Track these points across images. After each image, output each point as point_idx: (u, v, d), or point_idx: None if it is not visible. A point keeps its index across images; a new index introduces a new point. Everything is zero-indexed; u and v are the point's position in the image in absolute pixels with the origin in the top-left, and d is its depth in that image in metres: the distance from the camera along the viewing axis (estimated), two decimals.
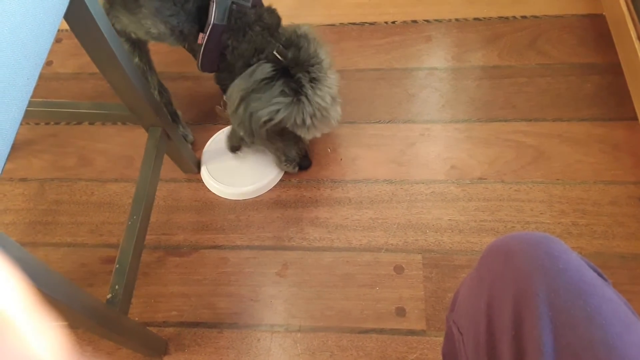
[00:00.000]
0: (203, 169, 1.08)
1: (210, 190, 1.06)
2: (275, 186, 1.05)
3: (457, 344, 0.46)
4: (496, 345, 0.39)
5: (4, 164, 0.47)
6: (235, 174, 1.06)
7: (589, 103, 1.08)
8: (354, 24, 1.27)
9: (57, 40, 1.32)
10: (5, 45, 0.45)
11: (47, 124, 1.19)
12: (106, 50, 0.70)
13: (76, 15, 0.63)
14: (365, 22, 1.27)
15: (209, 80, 1.04)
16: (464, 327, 0.44)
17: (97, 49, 0.70)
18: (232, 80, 0.88)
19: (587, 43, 1.17)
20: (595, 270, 0.41)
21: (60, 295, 0.59)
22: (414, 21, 1.26)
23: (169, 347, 0.90)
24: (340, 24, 1.27)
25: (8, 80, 0.45)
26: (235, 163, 1.08)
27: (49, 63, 1.27)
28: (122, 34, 0.93)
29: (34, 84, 0.50)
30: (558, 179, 1.00)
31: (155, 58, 1.03)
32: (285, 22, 1.20)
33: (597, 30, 1.18)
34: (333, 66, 0.92)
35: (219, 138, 1.12)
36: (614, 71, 1.12)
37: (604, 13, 1.21)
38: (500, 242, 0.43)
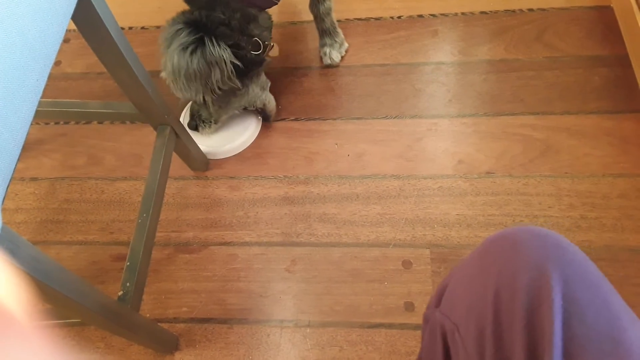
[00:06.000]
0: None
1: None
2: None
3: (448, 335, 0.45)
4: (503, 336, 0.39)
5: (16, 164, 0.48)
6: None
7: (597, 96, 1.08)
8: (359, 19, 1.27)
9: (65, 40, 1.33)
10: (14, 47, 0.45)
11: (56, 123, 1.20)
12: (113, 50, 0.70)
13: (83, 16, 0.64)
14: (371, 18, 1.27)
15: None
16: (461, 317, 0.44)
17: (105, 49, 0.71)
18: None
19: (595, 35, 1.16)
20: None
21: (73, 293, 0.59)
22: (420, 16, 1.25)
23: (179, 342, 0.91)
24: (346, 19, 1.27)
25: (18, 81, 0.46)
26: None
27: (57, 63, 1.28)
28: None
29: (43, 85, 0.51)
30: (566, 173, 1.00)
31: None
32: (290, 19, 1.21)
33: (604, 22, 1.17)
34: None
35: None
36: (622, 63, 1.11)
37: (611, 5, 1.19)
38: (506, 234, 0.43)
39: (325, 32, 1.17)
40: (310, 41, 1.25)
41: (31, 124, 0.50)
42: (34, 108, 0.50)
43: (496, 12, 1.23)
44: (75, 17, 0.63)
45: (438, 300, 0.50)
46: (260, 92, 1.07)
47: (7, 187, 0.46)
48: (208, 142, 1.11)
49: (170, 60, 0.89)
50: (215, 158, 1.12)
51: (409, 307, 0.90)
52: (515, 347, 0.37)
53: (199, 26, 0.88)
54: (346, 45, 1.20)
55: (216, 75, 0.90)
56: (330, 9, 1.13)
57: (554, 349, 0.35)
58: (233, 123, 1.14)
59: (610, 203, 0.95)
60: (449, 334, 0.44)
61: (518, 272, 0.39)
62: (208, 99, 0.96)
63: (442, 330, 0.46)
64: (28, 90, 0.48)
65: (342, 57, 1.20)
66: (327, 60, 1.18)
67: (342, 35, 1.20)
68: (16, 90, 0.46)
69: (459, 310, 0.44)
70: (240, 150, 1.12)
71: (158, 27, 1.32)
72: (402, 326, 0.88)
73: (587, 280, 0.38)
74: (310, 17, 1.16)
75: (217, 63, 0.89)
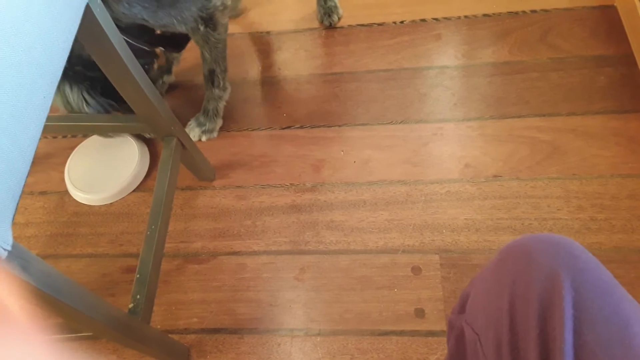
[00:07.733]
0: (67, 181, 1.12)
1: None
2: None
3: (470, 345, 0.46)
4: (519, 345, 0.39)
5: (25, 181, 0.48)
6: (98, 181, 1.11)
7: (603, 96, 1.07)
8: (362, 25, 1.27)
9: None
10: (21, 65, 0.46)
11: (64, 137, 1.21)
12: (119, 64, 0.71)
13: (88, 31, 0.64)
14: (374, 23, 1.27)
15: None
16: (481, 328, 0.44)
17: (110, 64, 0.71)
18: None
19: (599, 35, 1.16)
20: None
21: (84, 307, 0.60)
22: (423, 20, 1.26)
23: (191, 353, 0.91)
24: (349, 26, 1.27)
25: (25, 99, 0.46)
26: (98, 170, 1.12)
27: None
28: None
29: (50, 102, 0.52)
30: (574, 174, 0.99)
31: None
32: (292, 27, 1.21)
33: (608, 22, 1.17)
34: None
35: (80, 150, 1.16)
36: (627, 62, 1.10)
37: (615, 4, 1.19)
38: (520, 243, 0.43)
39: None
40: (312, 48, 1.25)
41: (39, 139, 0.50)
42: (42, 125, 0.50)
43: (499, 14, 1.23)
44: (80, 34, 0.63)
45: (461, 306, 0.50)
46: None
47: (17, 204, 0.46)
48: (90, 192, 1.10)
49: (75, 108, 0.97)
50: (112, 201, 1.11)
51: (420, 313, 0.89)
52: (530, 356, 0.38)
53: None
54: (341, 11, 1.28)
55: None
56: None
57: (565, 357, 0.35)
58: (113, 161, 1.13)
59: (620, 204, 0.95)
60: (472, 344, 0.45)
61: (531, 282, 0.40)
62: None
63: (463, 339, 0.47)
64: (36, 107, 0.48)
65: (339, 18, 1.25)
66: (326, 22, 1.24)
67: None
68: (24, 108, 0.46)
69: (480, 320, 0.45)
70: (137, 183, 1.11)
71: None
72: (413, 333, 0.88)
73: (599, 287, 0.38)
74: (313, 24, 1.17)
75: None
